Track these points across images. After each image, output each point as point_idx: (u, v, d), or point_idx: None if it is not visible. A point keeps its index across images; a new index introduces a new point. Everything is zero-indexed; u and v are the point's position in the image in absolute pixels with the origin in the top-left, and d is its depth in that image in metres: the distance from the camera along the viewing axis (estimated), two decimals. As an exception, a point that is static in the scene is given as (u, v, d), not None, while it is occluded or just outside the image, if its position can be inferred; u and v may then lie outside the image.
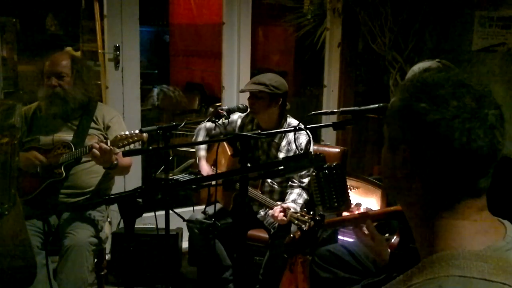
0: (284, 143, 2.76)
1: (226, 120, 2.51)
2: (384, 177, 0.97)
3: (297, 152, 2.71)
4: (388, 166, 0.93)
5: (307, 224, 1.87)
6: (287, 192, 2.73)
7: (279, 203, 2.57)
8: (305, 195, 2.70)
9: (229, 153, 2.89)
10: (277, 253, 2.58)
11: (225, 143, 2.89)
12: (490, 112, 0.82)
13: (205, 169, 2.92)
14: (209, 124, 2.96)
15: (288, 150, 2.74)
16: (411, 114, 0.85)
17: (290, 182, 2.75)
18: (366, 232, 1.78)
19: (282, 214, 2.39)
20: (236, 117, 2.91)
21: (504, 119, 0.85)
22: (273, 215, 2.48)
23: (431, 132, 0.82)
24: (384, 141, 0.97)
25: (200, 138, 3.00)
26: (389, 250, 1.84)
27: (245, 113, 2.88)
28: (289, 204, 2.55)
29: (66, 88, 2.55)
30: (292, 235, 1.74)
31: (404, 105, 0.88)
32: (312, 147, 2.78)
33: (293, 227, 2.40)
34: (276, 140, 2.77)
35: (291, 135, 2.73)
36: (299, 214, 2.24)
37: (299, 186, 2.72)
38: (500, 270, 0.77)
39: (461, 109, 0.81)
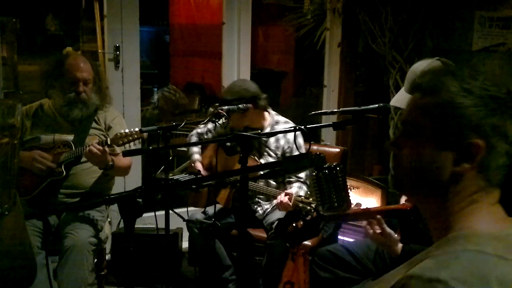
0: (272, 139, 2.79)
1: (215, 124, 2.51)
2: (415, 180, 0.94)
3: (286, 148, 2.74)
4: (430, 166, 0.91)
5: (310, 215, 1.87)
6: (285, 188, 2.75)
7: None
8: (305, 188, 2.72)
9: (224, 154, 2.89)
10: (276, 252, 2.58)
11: (215, 145, 2.90)
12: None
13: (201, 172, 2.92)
14: (200, 131, 2.99)
15: (277, 147, 2.78)
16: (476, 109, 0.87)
17: (287, 178, 2.77)
18: (377, 229, 1.79)
19: (287, 198, 2.41)
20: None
21: None
22: (278, 202, 2.49)
23: (496, 123, 0.86)
24: (402, 140, 0.94)
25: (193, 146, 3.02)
26: (400, 244, 1.85)
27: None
28: (292, 190, 2.57)
29: (88, 95, 2.58)
30: (294, 224, 1.74)
31: (466, 101, 0.89)
32: (302, 140, 2.78)
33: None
34: (263, 137, 2.79)
35: (278, 128, 2.76)
36: (303, 197, 2.27)
37: (297, 181, 2.74)
38: None
39: (507, 102, 0.88)
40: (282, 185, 2.80)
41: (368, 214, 1.79)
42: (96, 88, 2.64)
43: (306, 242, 2.68)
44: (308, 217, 1.76)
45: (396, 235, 1.84)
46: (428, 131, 0.91)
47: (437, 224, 0.92)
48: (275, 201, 2.57)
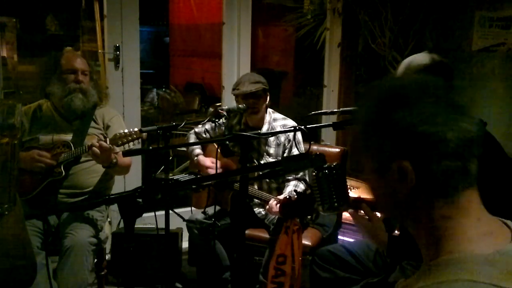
0: (272, 137, 2.78)
1: (213, 124, 2.52)
2: (384, 208, 0.93)
3: (287, 144, 2.74)
4: (384, 193, 0.89)
5: (306, 190, 1.87)
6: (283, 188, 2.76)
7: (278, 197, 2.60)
8: (301, 186, 2.72)
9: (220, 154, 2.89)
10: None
11: (215, 145, 2.89)
12: (460, 97, 0.85)
13: (206, 160, 2.90)
14: (198, 130, 3.00)
15: (277, 144, 2.79)
16: (393, 127, 0.84)
17: (295, 188, 2.77)
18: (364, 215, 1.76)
19: (278, 206, 2.41)
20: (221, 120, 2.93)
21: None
22: (269, 209, 2.50)
23: (422, 135, 0.81)
24: (365, 173, 0.92)
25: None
26: (386, 233, 1.82)
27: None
28: (285, 196, 2.57)
29: (87, 86, 2.62)
30: (288, 196, 1.74)
31: (380, 122, 0.85)
32: (301, 138, 2.79)
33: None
34: (263, 138, 2.79)
35: (278, 127, 2.77)
36: None
37: (295, 179, 2.74)
38: (508, 274, 0.76)
39: (437, 103, 0.82)
40: (283, 185, 2.79)
41: (360, 202, 1.77)
42: (94, 84, 2.67)
43: (306, 242, 2.69)
44: (300, 190, 1.75)
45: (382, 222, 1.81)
46: (366, 162, 0.91)
47: (422, 244, 0.88)
48: (267, 207, 2.60)
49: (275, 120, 2.83)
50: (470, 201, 0.85)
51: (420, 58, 2.11)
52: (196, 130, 3.02)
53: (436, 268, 0.81)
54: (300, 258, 2.21)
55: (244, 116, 2.83)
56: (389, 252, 1.71)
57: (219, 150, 2.88)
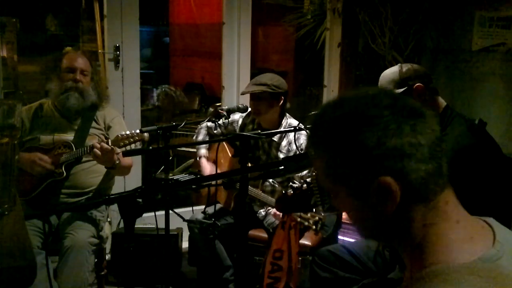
0: (284, 143, 2.76)
1: (227, 120, 2.51)
2: (368, 230, 0.91)
3: (298, 152, 2.72)
4: (366, 215, 0.87)
5: (302, 186, 1.86)
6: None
7: None
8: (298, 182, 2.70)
9: (229, 153, 2.89)
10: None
11: (225, 143, 2.89)
12: (409, 101, 0.85)
13: (207, 167, 2.91)
14: (210, 124, 2.97)
15: (288, 150, 2.75)
16: (363, 149, 0.82)
17: (291, 183, 2.75)
18: None
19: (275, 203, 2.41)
20: (238, 117, 2.92)
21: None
22: (274, 214, 2.49)
23: (394, 148, 0.80)
24: (335, 202, 0.90)
25: (201, 137, 3.01)
26: None
27: (245, 113, 2.88)
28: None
29: (86, 86, 2.61)
30: (284, 192, 1.74)
31: (348, 148, 0.83)
32: None
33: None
34: (276, 140, 2.77)
35: (291, 135, 2.73)
36: (301, 213, 2.24)
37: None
38: (492, 283, 0.76)
39: (396, 114, 0.82)
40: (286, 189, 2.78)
41: None
42: (94, 84, 2.66)
43: (306, 242, 2.69)
44: (297, 185, 1.74)
45: None
46: (338, 192, 0.88)
47: (406, 256, 0.88)
48: (272, 211, 2.60)
49: (290, 126, 2.79)
50: (447, 202, 0.85)
51: (390, 70, 2.13)
52: (208, 124, 2.99)
53: (419, 281, 0.80)
54: (296, 253, 2.21)
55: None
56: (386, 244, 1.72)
57: (229, 152, 2.90)
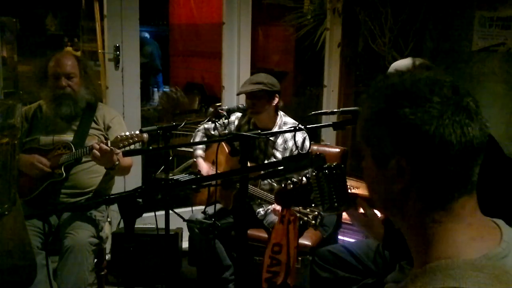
0: (280, 141, 2.78)
1: (226, 120, 2.52)
2: (377, 198, 0.92)
3: (294, 150, 2.73)
4: (379, 184, 0.89)
5: (301, 181, 1.85)
6: None
7: None
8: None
9: (227, 152, 2.89)
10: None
11: (223, 144, 2.89)
12: (469, 100, 0.82)
13: (204, 167, 2.92)
14: (207, 126, 2.98)
15: (284, 148, 2.77)
16: (396, 122, 0.82)
17: (289, 181, 2.76)
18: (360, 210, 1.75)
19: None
20: (234, 117, 2.93)
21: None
22: (274, 210, 2.49)
23: (424, 135, 0.79)
24: (364, 161, 0.92)
25: (198, 139, 3.02)
26: (383, 225, 1.81)
27: (241, 114, 2.89)
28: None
29: (75, 89, 2.57)
30: (283, 185, 1.73)
31: (384, 115, 0.84)
32: (309, 144, 2.79)
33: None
34: (272, 139, 2.78)
35: (287, 133, 2.74)
36: (300, 208, 2.25)
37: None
38: (495, 280, 0.75)
39: (445, 104, 0.80)
40: None
41: (356, 198, 1.76)
42: (86, 83, 2.62)
43: (306, 242, 2.69)
44: (295, 180, 1.74)
45: (379, 216, 1.79)
46: (365, 151, 0.90)
47: (413, 247, 0.88)
48: (271, 207, 2.59)
49: (285, 124, 2.81)
50: (463, 207, 0.83)
51: (402, 62, 2.12)
52: (206, 126, 3.00)
53: (423, 275, 0.80)
54: (295, 248, 2.20)
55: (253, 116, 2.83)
56: (385, 244, 1.71)
57: (227, 150, 2.90)
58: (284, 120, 2.83)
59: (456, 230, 0.82)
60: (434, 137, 0.79)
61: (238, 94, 2.86)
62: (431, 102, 0.80)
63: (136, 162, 3.13)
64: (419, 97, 0.81)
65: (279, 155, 2.77)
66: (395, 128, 0.82)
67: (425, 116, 0.79)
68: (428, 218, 0.83)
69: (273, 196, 2.64)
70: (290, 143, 2.75)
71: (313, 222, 2.13)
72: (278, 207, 2.46)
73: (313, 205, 1.56)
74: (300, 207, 2.20)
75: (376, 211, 1.76)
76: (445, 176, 0.81)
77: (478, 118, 0.81)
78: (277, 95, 2.76)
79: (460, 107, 0.80)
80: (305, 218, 2.15)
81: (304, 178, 1.64)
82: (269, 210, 2.69)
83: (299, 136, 2.72)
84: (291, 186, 1.69)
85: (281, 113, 2.85)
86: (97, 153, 2.32)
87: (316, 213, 2.15)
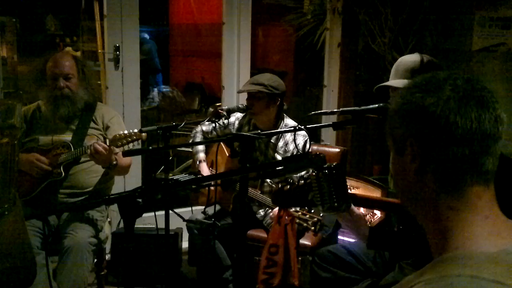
0: (281, 143, 2.76)
1: (226, 121, 2.51)
2: (399, 191, 0.95)
3: (295, 152, 2.72)
4: (400, 173, 0.92)
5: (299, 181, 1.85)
6: None
7: None
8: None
9: (227, 154, 2.89)
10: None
11: (223, 144, 2.88)
12: (484, 92, 0.85)
13: (206, 171, 2.91)
14: (205, 127, 2.97)
15: (285, 151, 2.74)
16: (409, 107, 0.87)
17: (286, 182, 2.75)
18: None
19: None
20: (234, 119, 2.91)
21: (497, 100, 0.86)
22: (274, 214, 2.48)
23: (431, 116, 0.83)
24: (390, 154, 0.96)
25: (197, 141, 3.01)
26: (368, 225, 1.81)
27: (242, 115, 2.88)
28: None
29: (73, 89, 2.56)
30: (280, 186, 1.73)
31: (401, 103, 0.89)
32: (310, 148, 2.78)
33: None
34: (272, 141, 2.77)
35: (288, 136, 2.72)
36: (300, 213, 2.24)
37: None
38: None
39: (454, 91, 0.83)
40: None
41: (367, 202, 1.75)
42: (84, 83, 2.62)
43: (306, 242, 2.69)
44: (293, 181, 1.73)
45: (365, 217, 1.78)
46: (389, 138, 0.94)
47: (431, 238, 0.89)
48: (271, 214, 2.59)
49: (287, 126, 2.79)
50: (479, 198, 0.85)
51: (410, 58, 2.11)
52: (204, 128, 2.99)
53: (440, 263, 0.82)
54: (295, 249, 2.19)
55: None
56: (370, 244, 1.71)
57: (227, 153, 2.90)
58: (286, 123, 2.80)
59: (473, 222, 0.84)
60: (440, 118, 0.83)
61: (238, 92, 2.84)
62: (443, 89, 0.84)
63: (136, 162, 3.13)
64: (433, 85, 0.86)
65: (279, 158, 2.75)
66: (407, 111, 0.87)
67: (433, 99, 0.84)
68: (444, 204, 0.85)
69: (269, 199, 2.64)
70: (291, 146, 2.72)
71: (313, 228, 2.12)
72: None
73: (310, 206, 1.56)
74: (300, 213, 2.20)
75: (362, 211, 1.75)
76: (453, 158, 0.83)
77: (490, 109, 0.84)
78: (279, 98, 2.72)
79: (470, 95, 0.84)
80: (305, 224, 2.15)
81: (301, 180, 1.64)
82: (269, 212, 2.68)
83: (300, 139, 2.70)
84: (288, 187, 1.68)
85: (284, 115, 2.82)
86: (100, 148, 2.32)
87: (316, 219, 2.14)
